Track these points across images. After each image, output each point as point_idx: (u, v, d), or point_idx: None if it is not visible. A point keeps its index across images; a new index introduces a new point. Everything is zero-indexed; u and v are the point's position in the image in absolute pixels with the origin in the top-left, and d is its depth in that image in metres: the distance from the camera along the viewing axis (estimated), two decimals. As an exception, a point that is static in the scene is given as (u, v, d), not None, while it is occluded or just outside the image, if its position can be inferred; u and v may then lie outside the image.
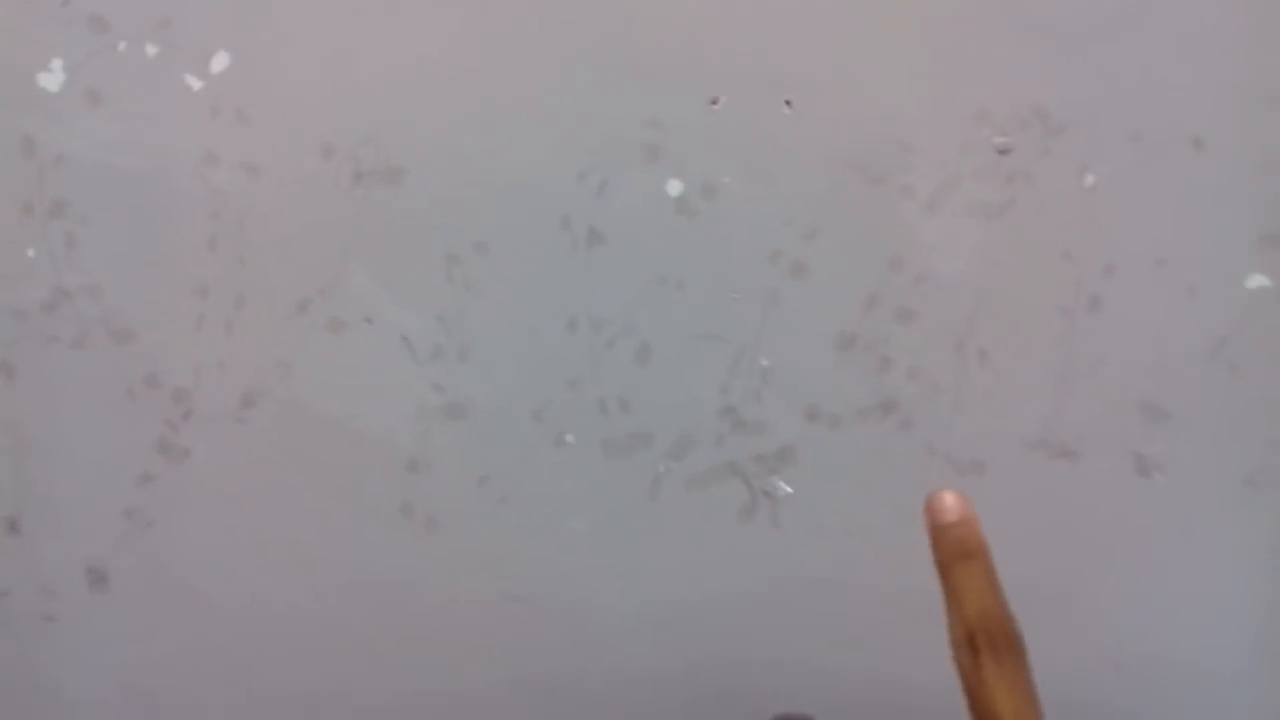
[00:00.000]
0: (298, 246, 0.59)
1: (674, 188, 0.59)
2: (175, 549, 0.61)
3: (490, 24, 0.58)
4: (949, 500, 0.33)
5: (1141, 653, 0.61)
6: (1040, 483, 0.60)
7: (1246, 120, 0.58)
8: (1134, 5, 0.58)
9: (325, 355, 0.59)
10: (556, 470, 0.60)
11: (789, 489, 0.60)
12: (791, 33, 0.58)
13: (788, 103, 0.58)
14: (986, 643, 0.31)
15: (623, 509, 0.60)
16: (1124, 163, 0.58)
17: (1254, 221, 0.59)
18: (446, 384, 0.60)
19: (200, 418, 0.60)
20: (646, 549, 0.61)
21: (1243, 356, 0.59)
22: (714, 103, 0.58)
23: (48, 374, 0.60)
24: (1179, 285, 0.59)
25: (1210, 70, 0.58)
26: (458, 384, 0.60)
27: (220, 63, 0.58)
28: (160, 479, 0.60)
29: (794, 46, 0.58)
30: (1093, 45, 0.58)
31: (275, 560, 0.61)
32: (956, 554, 0.32)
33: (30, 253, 0.59)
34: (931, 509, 0.33)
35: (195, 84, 0.58)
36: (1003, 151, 0.58)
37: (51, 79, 0.58)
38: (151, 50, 0.58)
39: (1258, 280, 0.59)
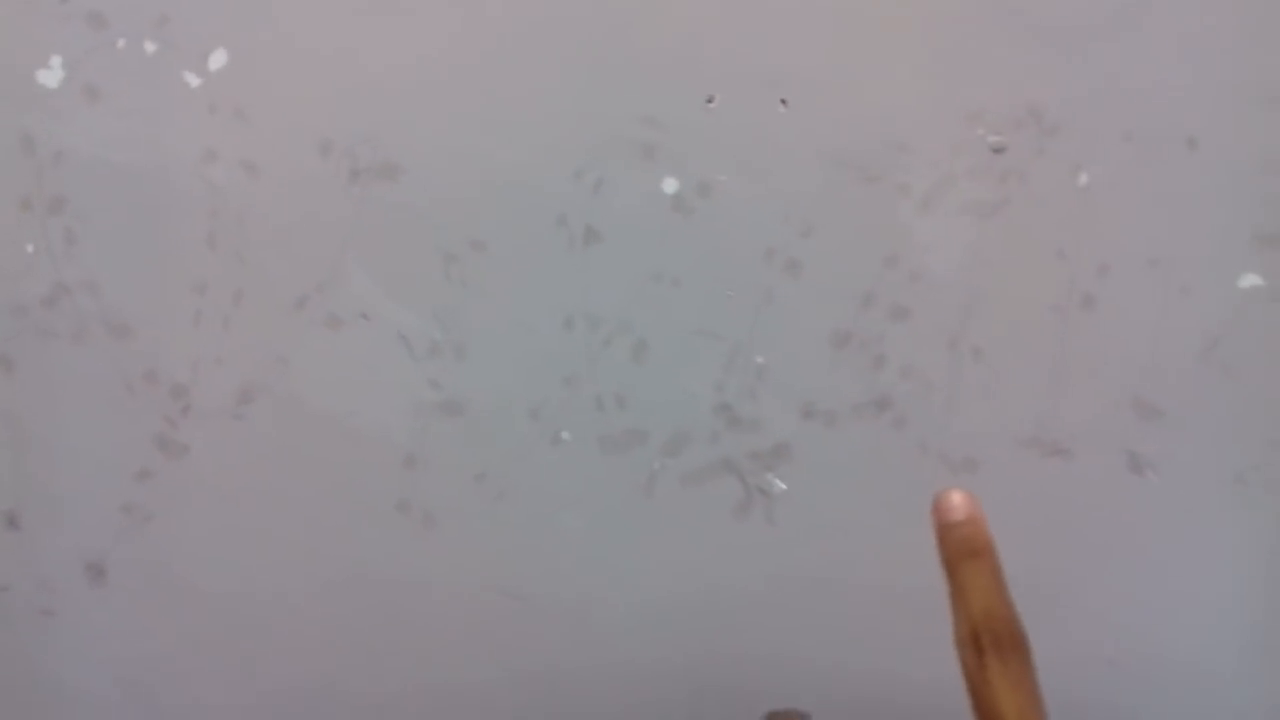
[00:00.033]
0: (295, 243, 0.59)
1: (670, 186, 0.59)
2: (173, 544, 0.61)
3: (487, 23, 0.58)
4: (956, 499, 0.33)
5: (1135, 650, 0.61)
6: (1033, 481, 0.60)
7: (1240, 120, 0.58)
8: (1128, 6, 0.58)
9: (323, 352, 0.60)
10: (553, 467, 0.60)
11: (783, 486, 0.61)
12: (787, 32, 0.58)
13: (783, 101, 0.58)
14: (991, 642, 0.31)
15: (618, 505, 0.61)
16: (1118, 162, 0.59)
17: (1248, 221, 0.59)
18: (443, 381, 0.60)
19: (198, 413, 0.60)
20: (642, 545, 0.61)
21: (1236, 356, 0.60)
22: (710, 101, 0.59)
23: (47, 369, 0.60)
24: (1172, 284, 0.59)
25: (1204, 71, 0.58)
26: (454, 381, 0.60)
27: (218, 60, 0.58)
28: (158, 474, 0.61)
29: (789, 45, 0.58)
30: (1087, 46, 0.58)
31: (273, 555, 0.61)
32: (963, 552, 0.32)
33: (29, 248, 0.59)
34: (939, 507, 0.33)
35: (194, 81, 0.58)
36: (997, 151, 0.59)
37: (51, 76, 0.58)
38: (150, 47, 0.58)
39: (1251, 280, 0.59)
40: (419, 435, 0.60)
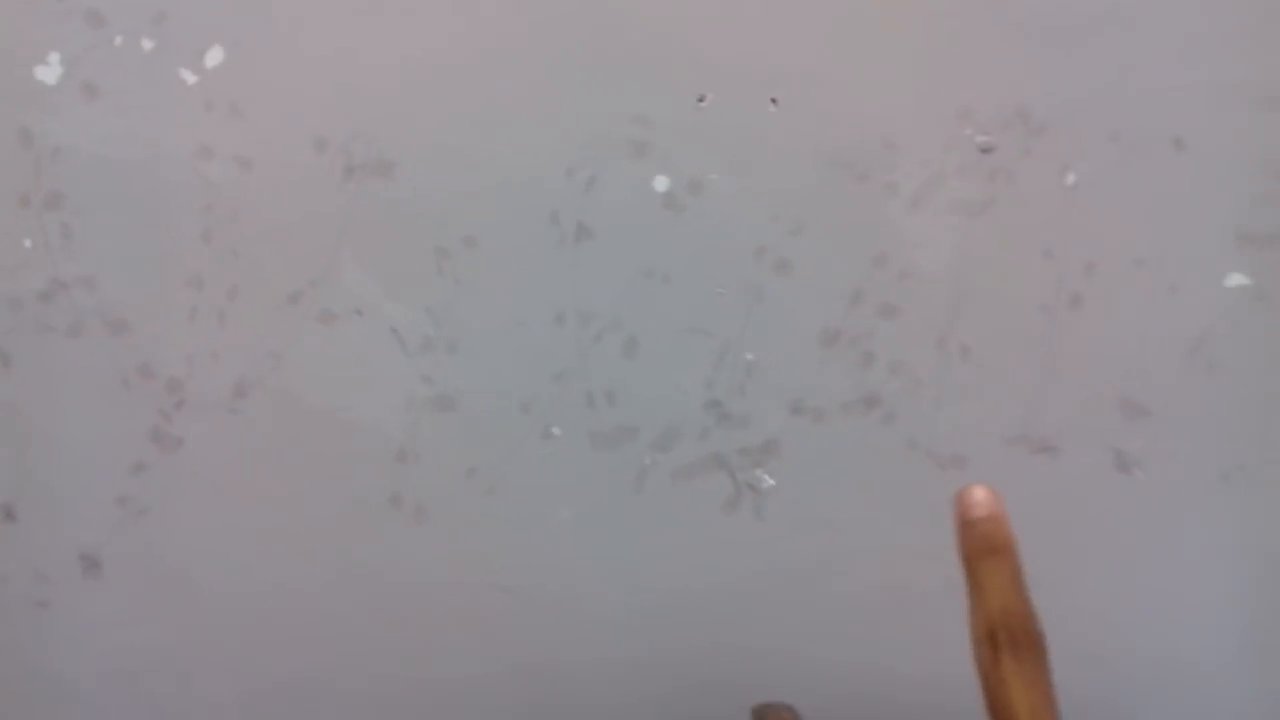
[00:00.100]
0: (290, 239, 0.60)
1: (661, 184, 0.59)
2: (168, 536, 0.62)
3: (481, 22, 0.59)
4: (979, 495, 0.33)
5: (1120, 647, 0.62)
6: (1020, 477, 0.60)
7: (1227, 121, 0.59)
8: (1116, 8, 0.58)
9: (316, 346, 0.60)
10: (544, 461, 0.61)
11: (772, 481, 0.61)
12: (778, 31, 0.59)
13: (774, 100, 0.59)
14: (1007, 639, 0.31)
15: (609, 500, 0.61)
16: (1104, 162, 0.59)
17: (1233, 221, 0.60)
18: (436, 376, 0.61)
19: (193, 407, 0.61)
20: (632, 540, 0.61)
21: (1222, 354, 0.60)
22: (701, 100, 0.59)
23: (43, 363, 0.60)
24: (1159, 284, 0.60)
25: (1191, 72, 0.59)
26: (447, 376, 0.61)
27: (214, 57, 0.59)
28: (153, 467, 0.61)
29: (780, 45, 0.59)
30: (1074, 46, 0.59)
31: (266, 548, 0.62)
32: (983, 549, 0.32)
33: (27, 243, 0.60)
34: (961, 503, 0.33)
35: (190, 78, 0.59)
36: (985, 150, 0.59)
37: (49, 72, 0.59)
38: (147, 45, 0.59)
39: (1236, 279, 0.60)
40: (411, 430, 0.61)
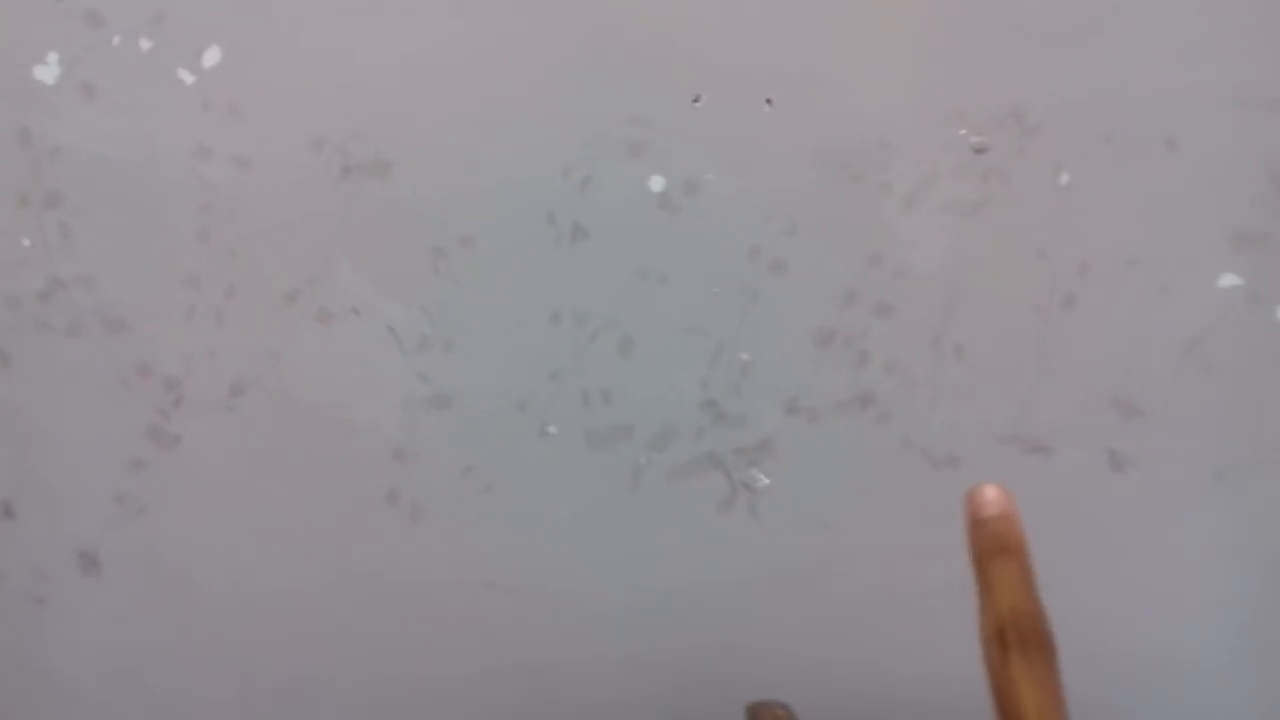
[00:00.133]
0: (287, 238, 0.60)
1: (657, 184, 0.60)
2: (165, 534, 0.62)
3: (478, 22, 0.59)
4: (990, 494, 0.33)
5: (1113, 646, 0.62)
6: (1014, 477, 0.60)
7: (1220, 122, 0.59)
8: (1109, 8, 0.59)
9: (313, 345, 0.61)
10: (540, 460, 0.61)
11: (767, 481, 0.61)
12: (773, 32, 0.59)
13: (768, 101, 0.59)
14: (1016, 639, 0.31)
15: (604, 499, 0.62)
16: (1098, 163, 0.59)
17: (1226, 221, 0.60)
18: (432, 374, 0.61)
19: (191, 405, 0.61)
20: (627, 538, 0.62)
21: (1214, 354, 0.60)
22: (696, 100, 0.59)
23: (42, 361, 0.61)
24: (1152, 284, 0.60)
25: (1183, 72, 0.59)
26: (443, 375, 0.61)
27: (212, 58, 0.59)
28: (151, 465, 0.61)
29: (775, 46, 0.59)
30: (1068, 47, 0.59)
31: (263, 546, 0.62)
32: (994, 548, 0.32)
33: (26, 242, 0.60)
34: (972, 501, 0.33)
35: (188, 78, 0.59)
36: (979, 151, 0.59)
37: (47, 72, 0.59)
38: (145, 45, 0.59)
39: (1229, 279, 0.60)
40: (408, 428, 0.61)
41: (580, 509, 0.62)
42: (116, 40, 0.59)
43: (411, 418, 0.61)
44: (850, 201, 0.60)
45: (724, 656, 0.62)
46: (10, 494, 0.62)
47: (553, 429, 0.61)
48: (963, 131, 0.59)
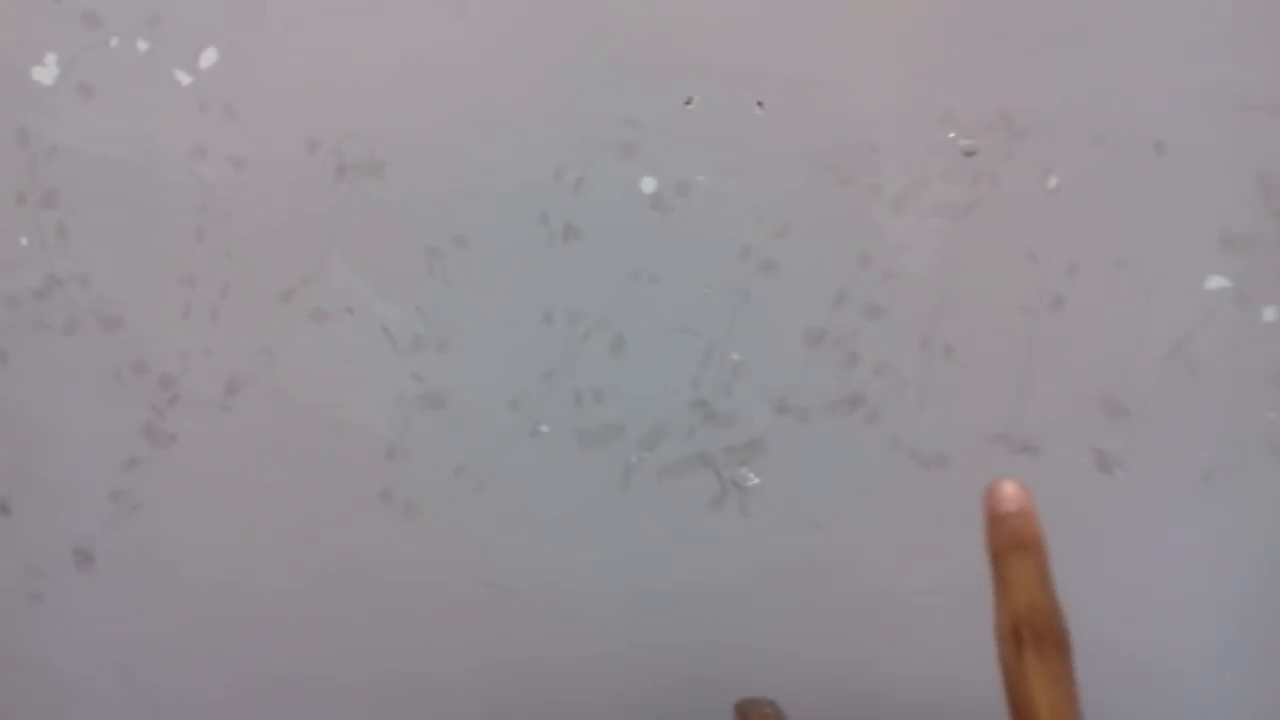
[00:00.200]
0: (282, 238, 0.60)
1: (648, 185, 0.60)
2: (160, 531, 0.62)
3: (471, 24, 0.60)
4: (1009, 490, 0.33)
5: (1100, 647, 0.62)
6: (1002, 477, 0.61)
7: (1207, 125, 0.60)
8: (1097, 12, 0.59)
9: (308, 344, 0.61)
10: (532, 459, 0.62)
11: (757, 480, 0.62)
12: (764, 35, 0.59)
13: (760, 103, 0.60)
14: (1031, 636, 0.31)
15: (596, 497, 0.62)
16: (1087, 165, 0.60)
17: (1214, 224, 0.60)
18: (425, 374, 0.61)
19: (186, 404, 0.62)
20: (618, 537, 0.62)
21: (1202, 356, 0.61)
22: (688, 103, 0.60)
23: (39, 359, 0.61)
24: (1140, 286, 0.61)
25: (1171, 76, 0.59)
26: (436, 374, 0.61)
27: (209, 59, 0.60)
28: (147, 463, 0.62)
29: (766, 49, 0.60)
30: (1057, 51, 0.59)
31: (257, 543, 0.62)
32: (1011, 544, 0.32)
33: (23, 241, 0.61)
34: (991, 497, 0.33)
35: (184, 79, 0.60)
36: (968, 153, 0.60)
37: (45, 73, 0.60)
38: (142, 46, 0.60)
39: (1217, 281, 0.60)
40: (401, 426, 0.61)
41: (572, 507, 0.62)
42: (114, 41, 0.59)
43: (405, 416, 0.61)
44: (840, 203, 0.60)
45: (713, 654, 0.62)
46: (6, 491, 0.62)
47: (545, 428, 0.62)
48: (952, 134, 0.60)
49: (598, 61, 0.60)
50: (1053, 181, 0.60)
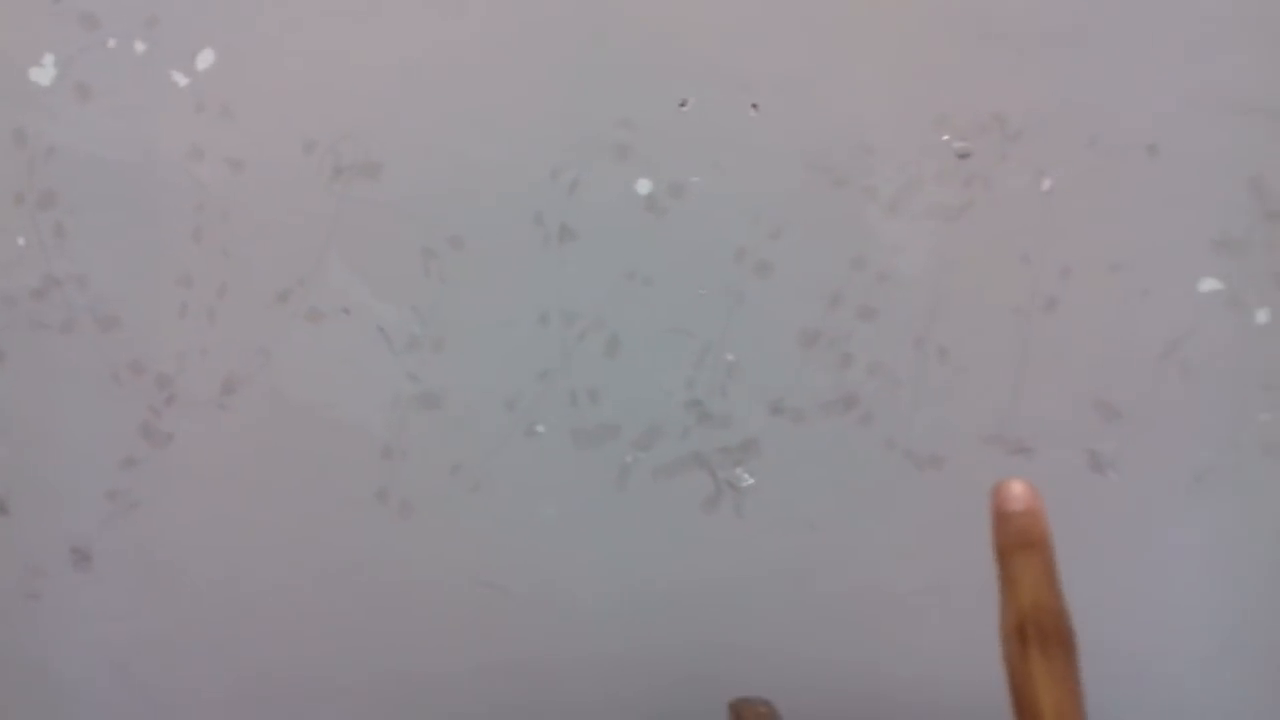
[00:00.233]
0: (279, 238, 0.61)
1: (643, 186, 0.60)
2: (157, 530, 0.63)
3: (467, 26, 0.60)
4: (1017, 489, 0.33)
5: (1092, 646, 0.62)
6: (996, 477, 0.61)
7: (1199, 128, 0.60)
8: (1091, 17, 0.59)
9: (304, 344, 0.61)
10: (527, 459, 0.62)
11: (751, 480, 0.62)
12: (759, 38, 0.60)
13: (754, 106, 0.60)
14: (1036, 634, 0.31)
15: (591, 497, 0.62)
16: (1080, 168, 0.60)
17: (1206, 226, 0.60)
18: (421, 374, 0.62)
19: (183, 403, 0.62)
20: (614, 536, 0.62)
21: (1195, 358, 0.61)
22: (683, 105, 0.60)
23: (36, 359, 0.61)
24: (1133, 288, 0.61)
25: (1164, 79, 0.60)
26: (432, 374, 0.62)
27: (206, 60, 0.60)
28: (143, 462, 0.62)
29: (761, 52, 0.60)
30: (1050, 54, 0.60)
31: (254, 542, 0.63)
32: (1018, 543, 0.32)
33: (21, 241, 0.61)
34: (998, 495, 0.33)
35: (181, 80, 0.60)
36: (962, 156, 0.60)
37: (43, 74, 0.60)
38: (140, 47, 0.60)
39: (1210, 284, 0.61)
40: (397, 426, 0.62)
41: (567, 507, 0.62)
42: (111, 43, 0.60)
43: (401, 416, 0.62)
44: (835, 205, 0.60)
45: (708, 653, 0.63)
46: (4, 490, 0.62)
47: (540, 428, 0.62)
48: (946, 137, 0.60)
49: (593, 63, 0.60)
50: (1046, 184, 0.60)
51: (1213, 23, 0.60)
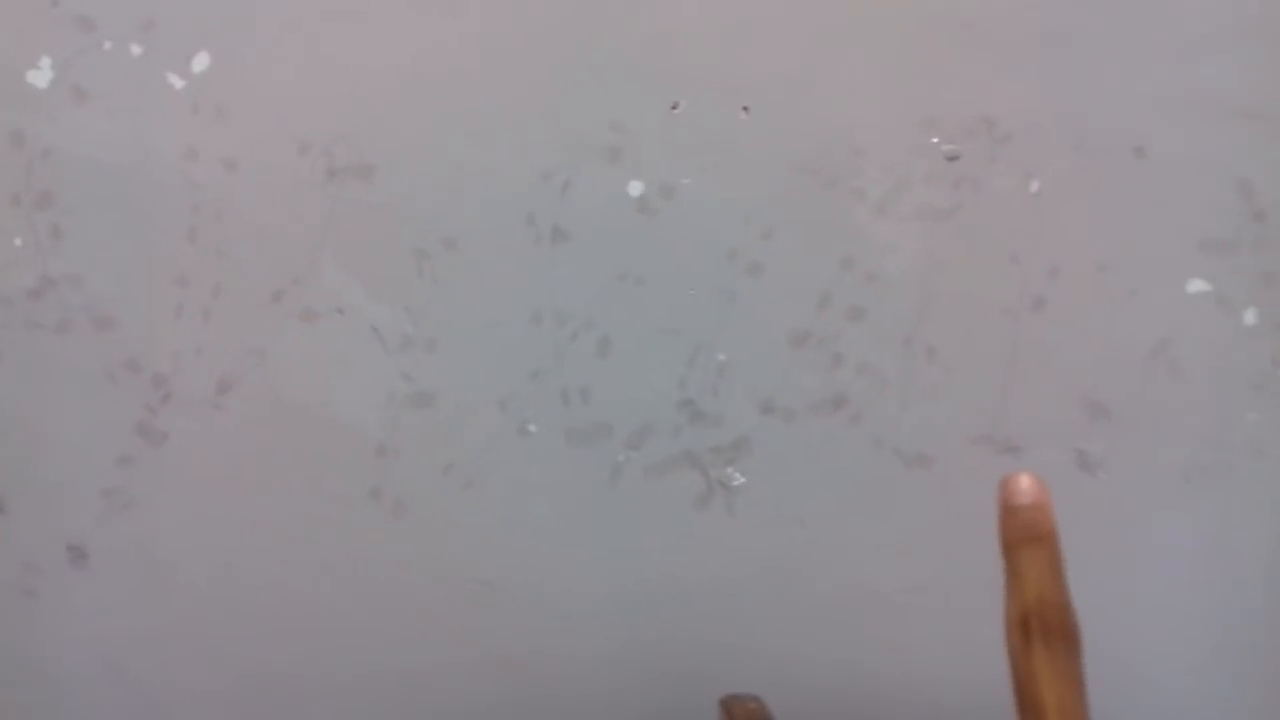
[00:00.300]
0: (273, 239, 0.61)
1: (635, 188, 0.61)
2: (153, 528, 0.63)
3: (460, 30, 0.60)
4: (1024, 483, 0.33)
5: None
6: (984, 477, 0.61)
7: (1186, 131, 0.60)
8: (1078, 20, 0.60)
9: (298, 344, 0.62)
10: (520, 458, 0.62)
11: (743, 479, 0.62)
12: (750, 41, 0.60)
13: (745, 108, 0.61)
14: (1040, 628, 0.31)
15: (583, 496, 0.63)
16: (1068, 170, 0.61)
17: (1193, 227, 0.61)
18: (415, 373, 0.62)
19: (178, 402, 0.62)
20: (606, 535, 0.63)
21: (1183, 358, 0.62)
22: (674, 107, 0.61)
23: (32, 359, 0.62)
24: (1120, 288, 0.61)
25: (1151, 81, 0.60)
26: (425, 373, 0.62)
27: (201, 63, 0.60)
28: (139, 461, 0.63)
29: (752, 54, 0.60)
30: (1038, 57, 0.60)
31: (249, 540, 0.63)
32: (1024, 537, 0.32)
33: (17, 242, 0.61)
34: (1005, 489, 0.33)
35: (177, 83, 0.60)
36: (951, 158, 0.61)
37: (40, 76, 0.60)
38: (136, 50, 0.60)
39: (1197, 284, 0.61)
40: (390, 425, 0.62)
41: (559, 506, 0.63)
42: (108, 45, 0.60)
43: (394, 415, 0.62)
44: (825, 207, 0.61)
45: (699, 650, 0.63)
46: (1, 489, 0.63)
47: (533, 427, 0.62)
48: (935, 139, 0.60)
49: (585, 66, 0.60)
50: (1034, 185, 0.61)
51: (1199, 26, 0.60)
